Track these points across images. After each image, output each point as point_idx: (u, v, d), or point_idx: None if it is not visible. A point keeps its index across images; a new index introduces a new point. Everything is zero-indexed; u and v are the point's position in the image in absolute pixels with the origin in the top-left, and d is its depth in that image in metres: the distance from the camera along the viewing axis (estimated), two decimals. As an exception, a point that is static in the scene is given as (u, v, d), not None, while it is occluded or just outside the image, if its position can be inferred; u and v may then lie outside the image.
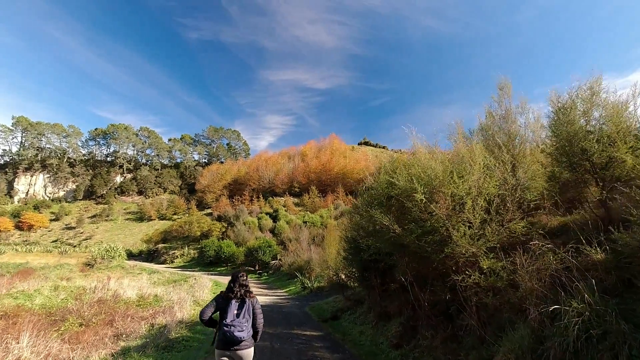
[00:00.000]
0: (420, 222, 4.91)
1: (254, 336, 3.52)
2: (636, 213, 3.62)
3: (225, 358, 3.34)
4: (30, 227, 61.59)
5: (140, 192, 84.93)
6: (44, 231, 63.36)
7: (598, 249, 4.04)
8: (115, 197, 80.00)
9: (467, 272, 4.48)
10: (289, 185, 63.78)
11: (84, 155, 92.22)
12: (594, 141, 4.82)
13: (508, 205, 4.84)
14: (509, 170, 5.07)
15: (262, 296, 16.11)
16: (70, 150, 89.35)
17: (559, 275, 3.91)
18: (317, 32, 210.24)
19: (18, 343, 6.03)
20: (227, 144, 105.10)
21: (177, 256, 40.63)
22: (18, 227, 60.98)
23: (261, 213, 47.30)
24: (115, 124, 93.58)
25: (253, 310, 3.51)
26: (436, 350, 5.22)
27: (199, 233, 44.62)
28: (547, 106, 6.98)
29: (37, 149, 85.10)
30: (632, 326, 3.07)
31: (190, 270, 30.29)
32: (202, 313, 3.42)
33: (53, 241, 57.15)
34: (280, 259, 27.21)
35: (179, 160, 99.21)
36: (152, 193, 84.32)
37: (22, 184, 79.84)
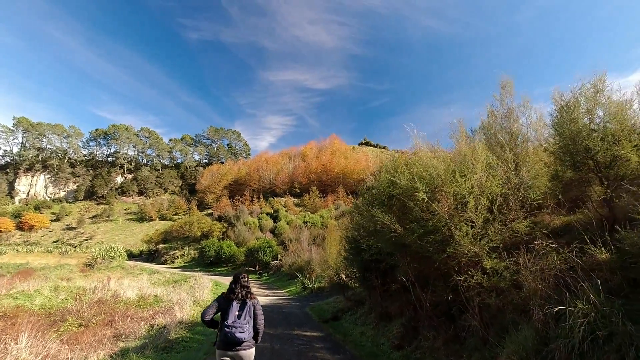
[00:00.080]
0: (422, 222, 4.85)
1: (255, 337, 3.53)
2: (642, 212, 3.56)
3: (226, 358, 3.36)
4: (31, 228, 61.62)
5: (140, 193, 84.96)
6: (44, 231, 63.40)
7: (603, 249, 3.98)
8: (115, 198, 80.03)
9: (469, 272, 4.42)
10: (290, 186, 63.73)
11: (84, 155, 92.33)
12: (598, 139, 4.76)
13: (511, 204, 4.78)
14: (511, 169, 5.01)
15: (263, 296, 16.06)
16: (71, 150, 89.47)
17: (563, 275, 3.85)
18: (317, 33, 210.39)
19: (17, 344, 5.98)
20: (228, 145, 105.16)
21: (177, 256, 40.60)
22: (19, 227, 61.02)
23: (262, 213, 47.28)
24: (115, 125, 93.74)
25: (254, 311, 3.53)
26: (438, 352, 5.15)
27: (199, 233, 44.59)
28: (547, 106, 6.94)
29: (38, 150, 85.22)
30: (639, 327, 3.01)
31: (190, 271, 30.25)
32: (203, 314, 3.44)
33: (54, 241, 57.15)
34: (280, 260, 27.16)
35: (179, 161, 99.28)
36: (153, 193, 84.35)
37: (23, 184, 79.94)
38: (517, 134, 6.62)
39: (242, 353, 3.36)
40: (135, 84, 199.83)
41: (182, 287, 15.24)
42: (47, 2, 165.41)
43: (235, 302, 3.48)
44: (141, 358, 5.89)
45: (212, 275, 25.63)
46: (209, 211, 60.19)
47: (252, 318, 3.49)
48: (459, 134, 6.13)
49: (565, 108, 5.40)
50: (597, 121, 5.22)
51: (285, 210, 48.78)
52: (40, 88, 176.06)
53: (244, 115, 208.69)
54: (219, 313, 3.52)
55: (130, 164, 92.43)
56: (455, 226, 4.52)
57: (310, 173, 64.42)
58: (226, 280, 21.24)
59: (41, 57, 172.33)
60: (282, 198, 58.33)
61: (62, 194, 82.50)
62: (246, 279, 3.71)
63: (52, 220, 67.67)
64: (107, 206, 73.62)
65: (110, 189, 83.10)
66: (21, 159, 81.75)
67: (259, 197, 59.06)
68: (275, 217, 44.46)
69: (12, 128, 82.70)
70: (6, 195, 75.89)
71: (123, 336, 7.46)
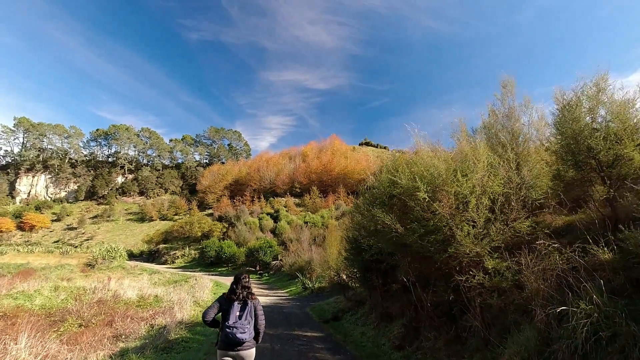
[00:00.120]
0: (422, 222, 4.82)
1: (256, 337, 3.57)
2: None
3: (227, 358, 3.39)
4: (32, 228, 61.70)
5: (141, 193, 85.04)
6: (45, 232, 63.47)
7: (605, 249, 3.95)
8: (116, 198, 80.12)
9: (471, 272, 4.38)
10: (290, 186, 63.72)
11: (85, 156, 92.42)
12: (601, 138, 4.73)
13: (513, 204, 4.75)
14: (513, 169, 4.98)
15: (263, 297, 16.04)
16: (72, 151, 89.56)
17: (566, 275, 3.81)
18: (317, 33, 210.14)
19: (16, 344, 5.96)
20: (228, 145, 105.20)
21: (178, 256, 40.60)
22: (20, 227, 61.11)
23: (262, 213, 47.28)
24: (116, 125, 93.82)
25: (255, 311, 3.56)
26: (439, 352, 5.12)
27: (200, 233, 44.59)
28: (547, 106, 6.91)
29: (39, 150, 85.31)
30: (643, 328, 2.97)
31: (191, 271, 30.25)
32: (205, 314, 3.46)
33: (55, 242, 57.21)
34: (281, 260, 27.14)
35: (180, 161, 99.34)
36: (154, 193, 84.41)
37: (24, 184, 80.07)
38: (518, 133, 6.59)
39: (243, 353, 3.39)
40: (136, 84, 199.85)
41: (183, 288, 15.22)
42: (47, 2, 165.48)
43: (236, 303, 3.49)
44: (141, 358, 5.87)
45: (212, 275, 25.62)
46: (210, 211, 60.21)
47: (253, 319, 3.52)
48: (460, 133, 6.09)
49: (567, 107, 5.36)
50: (599, 120, 5.18)
51: (286, 211, 48.78)
52: (40, 88, 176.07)
53: (244, 115, 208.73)
54: (220, 313, 3.54)
55: (131, 164, 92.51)
56: (456, 226, 4.49)
57: (310, 173, 64.41)
58: (227, 281, 21.23)
59: (41, 57, 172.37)
60: (283, 198, 58.33)
61: (63, 194, 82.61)
62: (247, 279, 3.73)
63: (52, 221, 67.74)
64: (107, 206, 73.68)
65: (111, 189, 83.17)
66: (22, 159, 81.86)
67: (259, 197, 59.08)
68: (275, 217, 44.45)
69: (13, 128, 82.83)
70: (7, 195, 76.01)
71: (123, 336, 7.44)
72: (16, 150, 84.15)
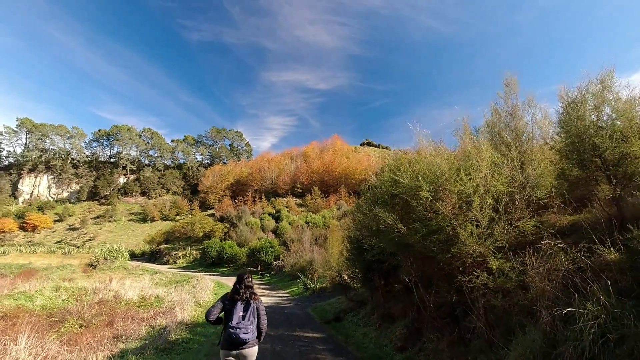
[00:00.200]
0: (425, 221, 4.75)
1: (258, 336, 3.62)
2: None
3: (230, 358, 3.44)
4: (34, 228, 61.91)
5: (143, 193, 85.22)
6: (47, 232, 63.66)
7: (612, 249, 3.87)
8: (118, 198, 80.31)
9: (474, 272, 4.31)
10: (292, 186, 63.71)
11: (87, 156, 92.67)
12: (606, 137, 4.65)
13: (517, 203, 4.67)
14: (517, 167, 4.90)
15: (265, 297, 15.98)
16: (74, 151, 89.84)
17: (572, 276, 3.74)
18: (318, 33, 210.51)
19: (16, 345, 5.93)
20: (230, 145, 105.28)
21: (179, 257, 40.63)
22: (22, 228, 61.34)
23: (263, 214, 47.27)
24: (118, 125, 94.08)
25: (257, 311, 3.61)
26: (442, 354, 5.05)
27: (201, 234, 44.63)
28: (549, 106, 6.82)
29: (41, 150, 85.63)
30: (652, 330, 2.90)
31: (192, 271, 30.25)
32: (208, 313, 3.50)
33: (57, 242, 57.40)
34: (282, 260, 27.10)
35: (181, 161, 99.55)
36: (155, 194, 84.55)
37: (26, 185, 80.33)
38: (521, 132, 6.51)
39: (246, 352, 3.45)
40: (136, 84, 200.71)
41: (184, 288, 15.20)
42: (47, 1, 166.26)
43: (239, 303, 3.54)
44: (140, 359, 5.82)
45: (214, 275, 25.60)
46: (211, 211, 60.27)
47: (256, 318, 3.58)
48: (463, 131, 6.02)
49: (571, 105, 5.29)
50: (604, 118, 5.11)
51: (287, 211, 48.76)
52: (41, 88, 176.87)
53: (245, 115, 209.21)
54: (223, 312, 3.59)
55: (133, 165, 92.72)
56: (459, 226, 4.42)
57: (312, 173, 64.38)
58: (228, 281, 21.20)
59: (41, 57, 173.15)
60: (284, 198, 58.32)
61: (65, 194, 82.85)
62: (250, 279, 3.77)
63: (55, 221, 67.95)
64: (109, 207, 73.86)
65: (112, 190, 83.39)
66: (24, 159, 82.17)
67: (261, 198, 59.10)
68: (277, 218, 44.43)
69: (15, 129, 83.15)
70: (10, 196, 76.31)
71: (123, 337, 7.40)
72: (19, 150, 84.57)
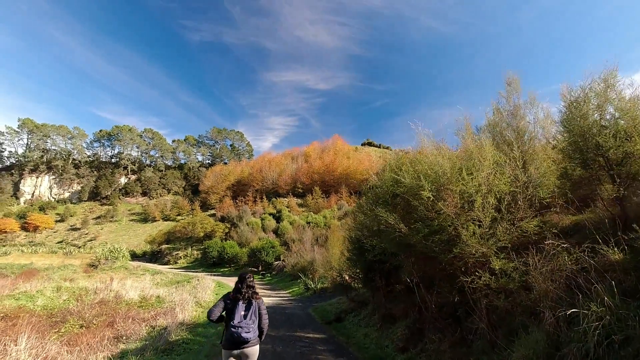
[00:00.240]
0: (427, 221, 4.71)
1: (260, 335, 3.66)
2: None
3: (232, 358, 3.48)
4: (35, 228, 62.02)
5: (144, 193, 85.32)
6: (49, 232, 63.77)
7: (615, 249, 3.83)
8: (119, 199, 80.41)
9: (477, 273, 4.27)
10: (293, 186, 63.68)
11: (88, 156, 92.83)
12: (610, 136, 4.60)
13: (519, 203, 4.63)
14: (519, 167, 4.86)
15: (266, 297, 15.95)
16: (75, 151, 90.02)
17: (575, 276, 3.70)
18: (319, 33, 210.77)
19: (16, 345, 5.91)
20: (231, 145, 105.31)
21: (180, 257, 40.64)
22: (24, 228, 61.44)
23: (264, 214, 47.25)
24: (119, 126, 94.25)
25: (259, 311, 3.65)
26: (444, 355, 5.01)
27: (202, 234, 44.63)
28: (550, 106, 6.77)
29: (43, 151, 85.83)
30: (658, 332, 2.86)
31: (193, 271, 30.24)
32: (210, 312, 3.52)
33: (58, 242, 57.47)
34: (283, 260, 27.07)
35: (182, 162, 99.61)
36: (156, 194, 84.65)
37: (28, 185, 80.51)
38: (523, 131, 6.47)
39: (247, 350, 3.48)
40: (137, 85, 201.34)
41: (185, 288, 15.17)
42: (48, 2, 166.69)
43: (241, 302, 3.57)
44: (141, 360, 5.80)
45: (214, 275, 25.57)
46: (212, 212, 60.27)
47: (257, 318, 3.61)
48: (465, 130, 5.98)
49: (574, 104, 5.24)
50: (607, 117, 5.06)
51: (288, 211, 48.74)
52: (41, 89, 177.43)
53: (246, 116, 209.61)
54: (224, 311, 3.62)
55: (134, 165, 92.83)
56: (462, 225, 4.38)
57: (313, 173, 64.35)
58: (229, 281, 21.18)
59: (42, 57, 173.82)
60: (285, 198, 58.30)
61: (67, 194, 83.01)
62: (252, 278, 3.82)
63: (56, 221, 68.08)
64: (110, 207, 73.96)
65: (114, 190, 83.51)
66: (26, 160, 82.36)
67: (261, 198, 59.10)
68: (278, 218, 44.41)
69: (17, 129, 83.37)
70: (11, 196, 76.48)
71: (124, 337, 7.38)
72: (20, 151, 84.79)
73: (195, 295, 12.99)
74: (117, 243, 43.78)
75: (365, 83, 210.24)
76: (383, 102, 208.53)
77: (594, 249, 3.90)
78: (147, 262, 41.26)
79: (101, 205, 77.91)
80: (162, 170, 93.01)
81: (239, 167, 78.39)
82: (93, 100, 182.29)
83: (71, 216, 70.76)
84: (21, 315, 8.66)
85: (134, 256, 43.57)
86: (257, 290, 3.86)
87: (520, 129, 6.46)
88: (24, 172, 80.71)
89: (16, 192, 78.32)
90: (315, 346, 7.08)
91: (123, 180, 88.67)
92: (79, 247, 47.34)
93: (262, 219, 43.63)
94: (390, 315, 7.73)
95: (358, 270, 10.17)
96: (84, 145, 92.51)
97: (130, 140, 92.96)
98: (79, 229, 64.87)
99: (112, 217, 69.74)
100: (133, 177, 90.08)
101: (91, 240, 58.78)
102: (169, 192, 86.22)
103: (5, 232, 57.16)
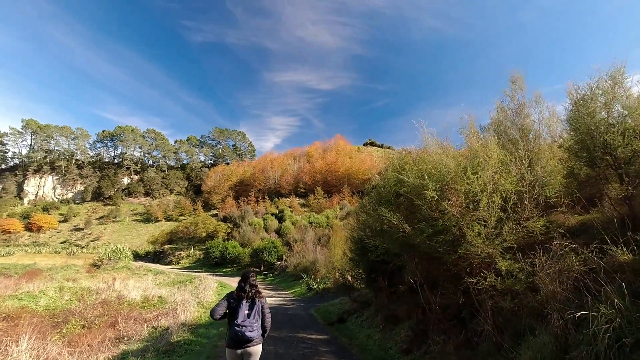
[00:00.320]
0: (431, 221, 4.64)
1: (263, 334, 3.70)
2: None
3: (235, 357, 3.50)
4: (39, 229, 62.36)
5: (147, 194, 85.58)
6: (52, 232, 64.11)
7: (624, 249, 3.74)
8: (122, 199, 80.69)
9: (482, 273, 4.19)
10: (295, 186, 63.68)
11: (91, 157, 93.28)
12: (618, 134, 4.51)
13: (525, 202, 4.54)
14: (525, 166, 4.77)
15: (268, 297, 15.76)
16: (79, 152, 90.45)
17: (583, 277, 3.61)
18: (320, 33, 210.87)
19: (17, 346, 5.89)
20: (233, 145, 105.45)
21: (183, 257, 40.71)
22: (27, 228, 61.80)
23: (267, 214, 47.26)
24: (122, 126, 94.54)
25: (262, 310, 3.67)
26: (449, 357, 4.93)
27: (204, 234, 44.69)
28: (553, 106, 6.66)
29: (46, 151, 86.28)
30: (671, 335, 2.77)
31: (195, 271, 30.26)
32: (213, 312, 3.52)
33: (61, 242, 57.72)
34: (285, 260, 27.04)
35: (185, 162, 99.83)
36: (159, 194, 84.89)
37: (31, 185, 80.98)
38: (528, 130, 6.37)
39: (251, 349, 3.50)
40: (139, 85, 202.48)
41: (187, 288, 15.14)
42: (50, 3, 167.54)
43: (244, 301, 3.58)
44: (142, 361, 5.75)
45: (217, 275, 25.59)
46: (214, 212, 60.38)
47: (260, 317, 3.64)
48: (469, 129, 5.89)
49: (581, 101, 5.15)
50: (615, 115, 4.96)
51: (291, 211, 48.73)
52: (44, 90, 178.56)
53: (248, 116, 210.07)
54: (227, 310, 3.64)
55: (137, 165, 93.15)
56: (466, 225, 4.30)
57: (315, 173, 64.31)
58: (231, 281, 21.17)
59: (44, 58, 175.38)
60: (287, 199, 58.29)
61: (70, 195, 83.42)
62: (255, 277, 3.81)
63: (60, 221, 68.42)
64: (113, 207, 74.22)
65: (116, 190, 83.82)
66: (30, 160, 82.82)
67: (264, 198, 59.11)
68: (280, 218, 44.40)
69: (20, 130, 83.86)
70: (15, 196, 76.94)
71: (125, 338, 7.34)
72: (24, 151, 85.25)
73: (198, 295, 12.96)
74: (120, 243, 43.95)
75: (366, 83, 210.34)
76: (385, 102, 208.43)
77: (602, 249, 3.81)
78: (149, 262, 41.36)
79: (104, 205, 78.23)
80: (164, 171, 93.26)
81: (241, 168, 78.47)
82: (95, 101, 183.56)
83: (74, 216, 71.07)
84: (23, 315, 8.65)
85: (137, 256, 43.71)
86: (260, 290, 3.85)
87: (525, 127, 6.37)
88: (27, 172, 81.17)
89: (20, 193, 78.78)
90: (318, 347, 7.01)
91: (126, 180, 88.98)
92: (82, 247, 47.52)
93: (265, 219, 43.65)
94: (394, 316, 7.65)
95: (361, 271, 10.10)
96: (87, 145, 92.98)
97: (132, 140, 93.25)
98: (82, 229, 65.15)
99: (115, 218, 70.00)
100: (136, 177, 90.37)
101: (94, 240, 59.02)
102: (171, 193, 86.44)
103: (9, 232, 57.52)
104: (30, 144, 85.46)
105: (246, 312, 3.53)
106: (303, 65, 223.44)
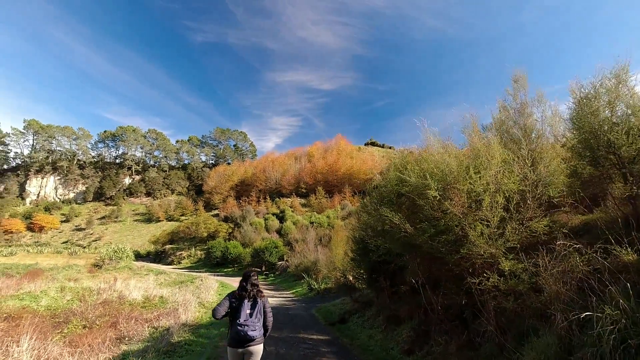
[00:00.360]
0: (433, 221, 4.61)
1: (264, 333, 3.69)
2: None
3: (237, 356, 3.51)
4: (41, 229, 62.53)
5: (148, 194, 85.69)
6: (54, 232, 64.27)
7: (629, 249, 3.70)
8: (124, 199, 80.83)
9: (485, 274, 4.16)
10: (296, 186, 63.65)
11: (93, 157, 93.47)
12: (622, 133, 4.46)
13: (528, 202, 4.50)
14: (528, 165, 4.73)
15: (269, 297, 15.83)
16: (80, 152, 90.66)
17: (587, 278, 3.57)
18: (321, 33, 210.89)
19: (18, 346, 5.88)
20: (234, 145, 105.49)
21: (184, 257, 40.75)
22: (29, 228, 61.99)
23: (268, 214, 47.25)
24: (123, 126, 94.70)
25: (264, 309, 3.68)
26: (451, 358, 4.89)
27: (205, 234, 44.71)
28: (555, 105, 6.62)
29: (48, 152, 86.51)
30: (677, 336, 2.73)
31: (197, 271, 30.28)
32: (215, 311, 3.52)
33: (63, 242, 57.87)
34: (286, 260, 27.02)
35: (186, 162, 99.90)
36: (160, 194, 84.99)
37: (33, 186, 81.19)
38: (531, 129, 6.33)
39: (252, 348, 3.50)
40: (140, 86, 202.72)
41: (188, 288, 15.14)
42: (51, 3, 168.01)
43: (246, 301, 3.58)
44: (142, 362, 5.73)
45: (218, 275, 25.58)
46: (216, 212, 60.41)
47: (262, 316, 3.64)
48: (472, 129, 5.85)
49: (584, 100, 5.10)
50: (619, 114, 4.92)
51: (292, 211, 48.70)
52: (45, 90, 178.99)
53: (249, 116, 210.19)
54: (229, 310, 3.64)
55: (138, 165, 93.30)
56: (469, 225, 4.27)
57: (316, 173, 64.26)
58: (232, 281, 21.16)
59: (45, 59, 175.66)
60: (289, 198, 58.27)
61: (72, 195, 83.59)
62: (256, 277, 3.82)
63: (61, 222, 68.58)
64: (115, 207, 74.36)
65: (118, 190, 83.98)
66: (32, 160, 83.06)
67: (265, 198, 59.11)
68: (281, 218, 44.38)
69: (22, 130, 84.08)
70: (17, 196, 77.16)
71: (126, 338, 7.33)
72: (26, 152, 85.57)
73: (199, 295, 12.94)
74: (122, 243, 43.98)
75: (367, 83, 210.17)
76: (386, 102, 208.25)
77: (606, 249, 3.77)
78: (151, 262, 41.42)
79: (106, 205, 78.37)
80: (165, 171, 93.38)
81: (242, 168, 78.50)
82: (97, 101, 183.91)
83: (76, 216, 71.23)
84: (24, 315, 8.65)
85: (138, 256, 43.77)
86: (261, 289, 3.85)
87: (528, 126, 6.32)
88: (29, 172, 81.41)
89: (22, 193, 79.01)
90: (319, 348, 6.99)
91: (127, 180, 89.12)
92: (84, 247, 47.62)
93: (266, 219, 43.64)
94: (395, 316, 7.62)
95: (362, 271, 10.07)
96: (89, 146, 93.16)
97: (134, 140, 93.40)
98: (84, 229, 65.31)
99: (116, 218, 70.14)
100: (137, 177, 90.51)
101: (96, 240, 59.15)
102: (172, 193, 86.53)
103: (12, 232, 57.71)
104: (32, 144, 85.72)
105: (248, 311, 3.53)
106: (304, 65, 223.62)
